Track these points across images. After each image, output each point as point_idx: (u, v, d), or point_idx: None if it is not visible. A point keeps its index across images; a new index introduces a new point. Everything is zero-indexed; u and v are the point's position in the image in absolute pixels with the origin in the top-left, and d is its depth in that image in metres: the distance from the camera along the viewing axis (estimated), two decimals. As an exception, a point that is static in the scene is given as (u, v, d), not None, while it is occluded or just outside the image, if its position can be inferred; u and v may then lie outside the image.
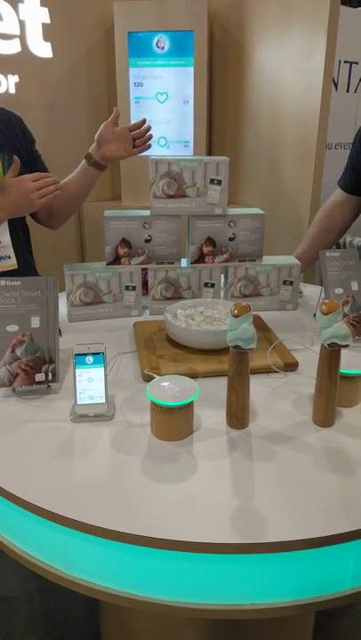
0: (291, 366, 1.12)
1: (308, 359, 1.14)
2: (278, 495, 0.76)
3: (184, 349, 1.18)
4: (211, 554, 0.69)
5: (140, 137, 1.44)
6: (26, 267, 1.49)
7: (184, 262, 1.44)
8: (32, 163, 1.51)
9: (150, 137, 1.43)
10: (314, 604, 0.73)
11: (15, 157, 1.31)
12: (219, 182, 1.35)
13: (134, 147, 1.45)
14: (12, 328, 1.03)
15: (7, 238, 1.39)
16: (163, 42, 2.57)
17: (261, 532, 0.69)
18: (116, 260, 1.40)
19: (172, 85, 2.64)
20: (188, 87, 2.62)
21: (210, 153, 2.86)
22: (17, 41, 2.47)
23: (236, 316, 0.85)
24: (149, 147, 1.46)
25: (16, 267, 1.41)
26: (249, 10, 2.52)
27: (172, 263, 1.42)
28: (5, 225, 1.38)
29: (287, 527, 0.70)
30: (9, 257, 1.39)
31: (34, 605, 1.62)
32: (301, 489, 0.77)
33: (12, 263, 1.40)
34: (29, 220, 1.58)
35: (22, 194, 1.28)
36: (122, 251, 1.39)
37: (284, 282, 1.45)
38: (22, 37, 2.48)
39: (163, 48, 2.59)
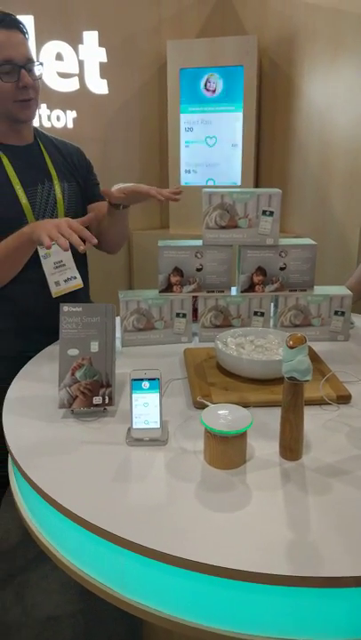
0: (344, 399, 1.11)
1: (361, 391, 1.14)
2: (334, 529, 0.76)
3: (234, 378, 1.20)
4: (264, 584, 0.70)
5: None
6: (81, 290, 1.55)
7: (234, 291, 1.47)
8: (88, 190, 1.56)
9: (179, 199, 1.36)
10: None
11: (91, 215, 1.34)
12: (271, 213, 1.38)
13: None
14: (73, 352, 1.08)
15: (71, 260, 1.45)
16: (213, 83, 2.66)
17: (317, 565, 0.69)
18: (168, 288, 1.44)
19: (221, 129, 2.72)
20: (237, 130, 2.69)
21: (257, 183, 2.91)
22: (76, 79, 2.62)
23: (291, 348, 0.87)
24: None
25: (82, 286, 1.47)
26: (299, 44, 2.59)
27: (223, 291, 1.45)
28: (69, 251, 1.43)
29: (344, 563, 0.70)
30: (75, 277, 1.46)
31: (77, 627, 1.63)
32: (358, 524, 0.77)
33: (78, 283, 1.46)
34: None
35: (50, 223, 1.23)
36: (174, 279, 1.43)
37: (336, 312, 1.45)
38: (81, 76, 2.63)
39: (213, 91, 2.67)
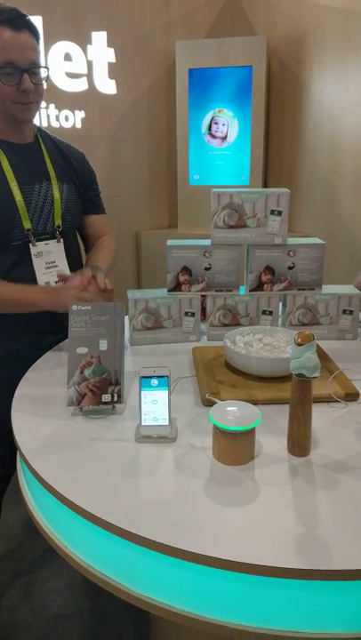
0: (352, 396, 1.11)
1: (369, 389, 1.14)
2: (342, 523, 0.76)
3: (243, 376, 1.20)
4: (274, 577, 0.70)
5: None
6: None
7: (242, 290, 1.47)
8: (87, 198, 1.57)
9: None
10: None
11: (88, 275, 1.35)
12: (279, 213, 1.38)
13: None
14: (82, 350, 1.08)
15: (64, 262, 1.46)
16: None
17: (327, 558, 0.70)
18: (176, 287, 1.44)
19: (229, 129, 2.72)
20: (246, 131, 2.69)
21: (266, 183, 2.91)
22: (84, 79, 2.63)
23: (299, 345, 0.87)
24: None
25: None
26: (307, 45, 2.59)
27: (231, 291, 1.45)
28: (62, 249, 1.45)
29: (353, 556, 0.70)
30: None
31: (86, 625, 1.64)
32: (366, 520, 0.77)
33: None
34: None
35: (69, 296, 1.27)
36: (182, 278, 1.44)
37: (344, 311, 1.45)
38: (89, 76, 2.64)
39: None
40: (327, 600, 0.72)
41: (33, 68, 1.29)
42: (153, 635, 1.42)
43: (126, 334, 1.47)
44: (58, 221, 1.45)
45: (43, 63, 1.34)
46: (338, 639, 0.72)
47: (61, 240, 1.46)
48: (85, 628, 1.63)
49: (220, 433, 0.90)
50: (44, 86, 1.38)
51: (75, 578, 1.77)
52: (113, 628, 1.62)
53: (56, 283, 1.44)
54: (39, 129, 1.49)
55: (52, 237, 1.44)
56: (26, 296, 1.33)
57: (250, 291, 1.45)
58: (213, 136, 2.75)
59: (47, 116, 2.58)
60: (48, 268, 1.44)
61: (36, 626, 1.63)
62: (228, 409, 0.93)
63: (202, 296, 1.48)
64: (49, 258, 1.44)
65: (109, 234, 1.64)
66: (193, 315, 1.46)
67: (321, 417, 1.05)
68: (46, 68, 1.35)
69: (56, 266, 1.45)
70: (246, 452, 0.91)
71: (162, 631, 1.30)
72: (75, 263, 1.52)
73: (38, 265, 1.42)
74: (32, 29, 1.29)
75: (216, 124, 2.74)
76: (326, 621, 0.72)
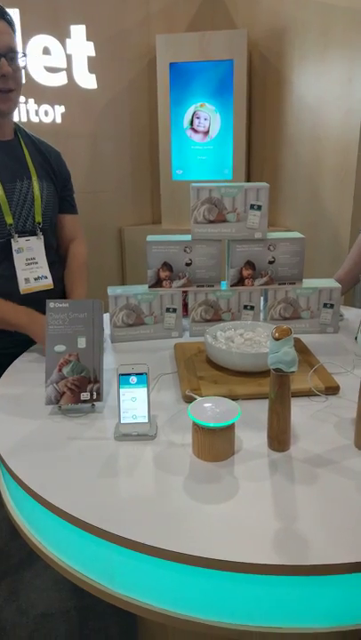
0: (332, 390, 1.11)
1: (350, 383, 1.14)
2: (320, 518, 0.76)
3: (224, 371, 1.20)
4: (253, 574, 0.70)
5: None
6: (59, 289, 1.55)
7: (224, 285, 1.46)
8: (62, 197, 1.56)
9: None
10: (356, 632, 0.72)
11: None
12: (259, 207, 1.38)
13: None
14: (60, 348, 1.07)
15: (43, 259, 1.45)
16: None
17: (304, 554, 0.70)
18: (157, 283, 1.43)
19: (211, 124, 2.71)
20: (228, 125, 2.68)
21: (249, 177, 2.90)
22: (64, 74, 2.60)
23: (277, 339, 0.87)
24: None
25: (52, 286, 1.47)
26: (288, 39, 2.58)
27: (212, 286, 1.45)
28: (42, 246, 1.44)
29: (330, 550, 0.70)
30: (45, 277, 1.46)
31: (72, 624, 1.63)
32: (344, 513, 0.77)
33: (48, 283, 1.46)
34: None
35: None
36: (163, 274, 1.43)
37: (325, 305, 1.45)
38: (69, 70, 2.61)
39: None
40: (306, 595, 0.72)
41: (10, 53, 1.29)
42: (139, 632, 1.41)
43: (107, 331, 1.46)
44: (38, 218, 1.44)
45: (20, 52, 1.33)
46: (316, 633, 0.72)
47: (42, 237, 1.45)
48: (72, 626, 1.62)
49: (199, 429, 0.89)
50: (23, 77, 1.37)
51: (61, 577, 1.75)
52: (99, 627, 1.62)
53: (35, 280, 1.43)
54: (17, 125, 1.48)
55: (33, 234, 1.43)
56: (9, 318, 1.36)
57: (231, 286, 1.44)
58: (195, 131, 2.74)
59: (27, 111, 2.54)
60: (28, 264, 1.43)
61: (23, 625, 1.62)
62: (208, 405, 0.92)
63: (183, 292, 1.47)
64: (29, 254, 1.43)
65: (80, 238, 1.63)
66: (174, 311, 1.45)
67: (301, 411, 1.05)
68: (24, 54, 1.34)
69: (36, 262, 1.44)
70: (226, 448, 0.91)
71: (148, 629, 1.29)
72: (53, 260, 1.51)
73: (19, 261, 1.41)
74: (7, 18, 1.30)
75: (198, 118, 2.72)
76: (305, 616, 0.72)
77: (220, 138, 2.73)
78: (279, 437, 0.92)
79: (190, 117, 2.73)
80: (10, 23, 1.30)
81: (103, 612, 1.65)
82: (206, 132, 2.74)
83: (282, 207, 2.81)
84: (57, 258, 1.55)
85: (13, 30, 1.32)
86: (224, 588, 0.73)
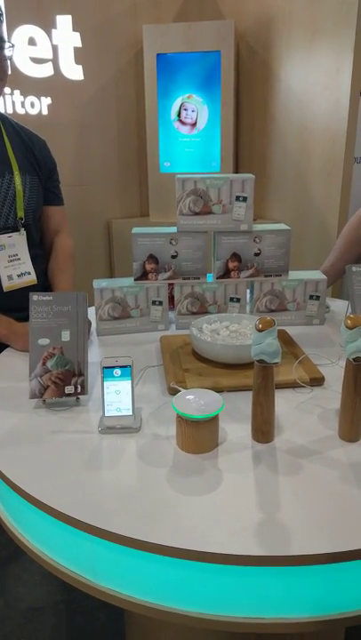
0: (317, 381, 1.12)
1: (335, 374, 1.14)
2: (303, 509, 0.76)
3: (210, 363, 1.20)
4: (236, 565, 0.70)
5: None
6: (44, 283, 1.53)
7: (210, 277, 1.46)
8: (47, 188, 1.54)
9: None
10: (338, 620, 0.73)
11: None
12: (244, 199, 1.37)
13: None
14: (44, 341, 1.06)
15: (26, 255, 1.44)
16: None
17: (286, 545, 0.70)
18: (143, 276, 1.43)
19: (199, 115, 2.69)
20: (215, 117, 2.66)
21: (237, 169, 2.89)
22: (50, 65, 2.57)
23: (260, 331, 0.86)
24: None
25: (35, 282, 1.46)
26: (276, 30, 2.56)
27: (198, 278, 1.44)
28: (24, 242, 1.43)
29: (312, 541, 0.70)
30: (29, 273, 1.44)
31: (60, 618, 1.63)
32: (326, 503, 0.77)
33: (32, 279, 1.45)
34: None
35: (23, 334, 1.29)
36: (149, 266, 1.42)
37: (311, 297, 1.45)
38: (55, 61, 2.58)
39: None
40: (286, 585, 0.72)
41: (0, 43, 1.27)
42: (127, 625, 1.42)
43: (93, 325, 1.45)
44: (20, 213, 1.42)
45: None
46: (299, 623, 0.72)
47: (24, 233, 1.43)
48: (60, 620, 1.62)
49: (182, 421, 0.89)
50: (9, 67, 1.35)
51: (48, 571, 1.76)
52: (88, 620, 1.62)
53: (19, 276, 1.42)
54: (2, 116, 1.45)
55: (15, 230, 1.41)
56: None
57: (217, 278, 1.44)
58: (183, 122, 2.72)
59: (12, 103, 2.51)
60: (10, 261, 1.41)
61: (11, 619, 1.62)
62: (192, 397, 0.92)
63: (169, 284, 1.46)
64: (11, 251, 1.41)
65: (65, 230, 1.61)
66: (160, 303, 1.45)
67: (286, 403, 1.05)
68: (12, 44, 1.32)
69: (19, 259, 1.43)
70: (209, 440, 0.91)
71: (135, 622, 1.30)
72: (37, 256, 1.50)
73: (0, 258, 1.39)
74: None
75: (185, 110, 2.70)
76: (287, 606, 0.73)
77: (208, 130, 2.71)
78: (263, 429, 0.92)
79: (178, 109, 2.71)
80: None
81: (91, 606, 1.65)
82: (194, 124, 2.72)
83: (270, 199, 2.81)
84: (41, 251, 1.54)
85: (2, 20, 1.30)
86: (206, 579, 0.73)
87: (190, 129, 2.73)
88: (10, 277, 1.40)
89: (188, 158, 2.77)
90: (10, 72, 1.38)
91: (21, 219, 1.42)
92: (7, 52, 1.31)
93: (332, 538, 0.71)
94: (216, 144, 2.71)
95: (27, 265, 1.44)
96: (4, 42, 1.29)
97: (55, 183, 1.58)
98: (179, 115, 2.71)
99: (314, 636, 1.12)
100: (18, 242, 1.42)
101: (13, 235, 1.41)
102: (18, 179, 1.40)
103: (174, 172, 2.74)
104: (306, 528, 0.73)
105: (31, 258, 1.45)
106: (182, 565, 0.72)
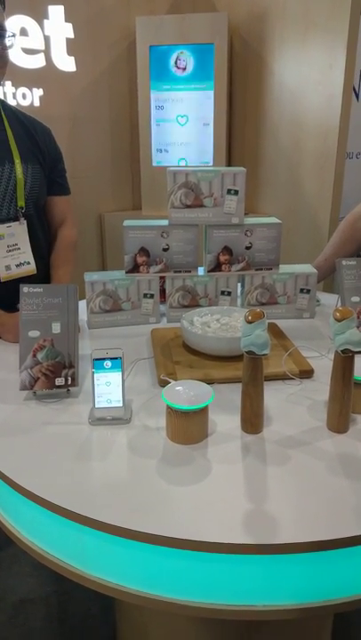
0: (306, 373, 1.13)
1: (324, 366, 1.15)
2: (291, 499, 0.77)
3: (200, 356, 1.20)
4: (224, 554, 0.71)
5: None
6: (45, 273, 1.53)
7: (201, 271, 1.46)
8: (52, 178, 1.53)
9: None
10: (326, 607, 0.74)
11: None
12: (235, 192, 1.37)
13: None
14: (34, 333, 1.06)
15: (27, 244, 1.43)
16: (183, 61, 2.60)
17: (274, 534, 0.71)
18: (134, 269, 1.43)
19: (192, 108, 2.68)
20: (208, 109, 2.65)
21: (229, 162, 2.89)
22: (42, 56, 2.54)
23: (249, 322, 0.87)
24: None
25: (35, 272, 1.45)
26: (269, 23, 2.56)
27: (190, 271, 1.44)
28: (24, 231, 1.42)
29: (299, 530, 0.71)
30: (28, 263, 1.43)
31: (51, 608, 1.64)
32: (314, 493, 0.78)
33: (31, 269, 1.44)
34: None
35: (12, 325, 1.29)
36: (140, 259, 1.42)
37: (301, 290, 1.46)
38: (47, 52, 2.55)
39: (184, 69, 2.62)
40: (273, 573, 0.73)
41: (1, 32, 1.27)
42: (117, 617, 1.43)
43: (84, 317, 1.45)
44: (21, 202, 1.40)
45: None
46: (287, 610, 0.74)
47: (25, 222, 1.42)
48: (51, 611, 1.63)
49: (172, 412, 0.90)
50: (9, 56, 1.34)
51: (39, 562, 1.76)
52: (78, 611, 1.63)
53: (17, 266, 1.41)
54: (2, 103, 1.43)
55: (15, 220, 1.40)
56: None
57: (208, 271, 1.44)
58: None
59: (4, 94, 2.48)
60: (9, 251, 1.40)
61: (1, 610, 1.62)
62: (182, 388, 0.93)
63: (161, 277, 1.46)
64: (11, 241, 1.40)
65: (70, 220, 1.60)
66: (152, 296, 1.45)
67: (275, 394, 1.06)
68: (12, 33, 1.31)
69: (18, 249, 1.41)
70: (199, 431, 0.91)
71: (126, 612, 1.31)
72: (40, 246, 1.49)
73: None
74: None
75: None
76: (275, 594, 0.74)
77: (201, 123, 2.70)
78: (252, 420, 0.93)
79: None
80: (1, 1, 1.28)
81: (82, 597, 1.66)
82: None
83: (262, 193, 2.81)
84: (44, 242, 1.53)
85: (4, 8, 1.29)
86: (195, 568, 0.74)
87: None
88: (8, 267, 1.39)
89: (180, 151, 2.76)
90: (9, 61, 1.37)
91: (22, 208, 1.40)
92: (8, 42, 1.30)
93: (319, 527, 0.72)
94: (208, 137, 2.70)
95: (27, 255, 1.42)
96: (4, 30, 1.28)
97: (61, 173, 1.56)
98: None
99: (303, 622, 1.13)
100: (18, 231, 1.40)
101: (13, 224, 1.39)
102: (19, 167, 1.39)
103: (167, 164, 2.74)
104: (294, 517, 0.74)
105: (33, 247, 1.43)
106: (171, 554, 0.73)
